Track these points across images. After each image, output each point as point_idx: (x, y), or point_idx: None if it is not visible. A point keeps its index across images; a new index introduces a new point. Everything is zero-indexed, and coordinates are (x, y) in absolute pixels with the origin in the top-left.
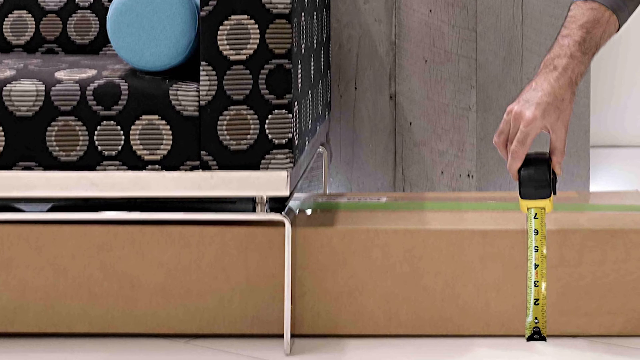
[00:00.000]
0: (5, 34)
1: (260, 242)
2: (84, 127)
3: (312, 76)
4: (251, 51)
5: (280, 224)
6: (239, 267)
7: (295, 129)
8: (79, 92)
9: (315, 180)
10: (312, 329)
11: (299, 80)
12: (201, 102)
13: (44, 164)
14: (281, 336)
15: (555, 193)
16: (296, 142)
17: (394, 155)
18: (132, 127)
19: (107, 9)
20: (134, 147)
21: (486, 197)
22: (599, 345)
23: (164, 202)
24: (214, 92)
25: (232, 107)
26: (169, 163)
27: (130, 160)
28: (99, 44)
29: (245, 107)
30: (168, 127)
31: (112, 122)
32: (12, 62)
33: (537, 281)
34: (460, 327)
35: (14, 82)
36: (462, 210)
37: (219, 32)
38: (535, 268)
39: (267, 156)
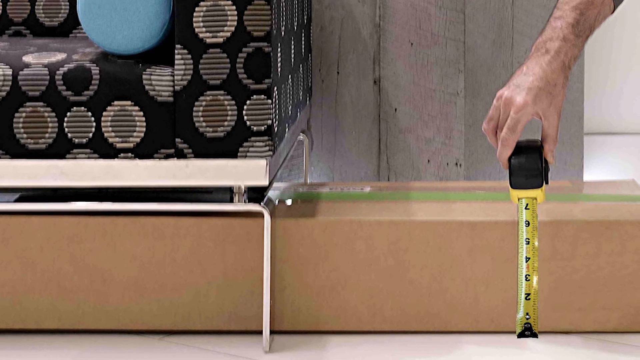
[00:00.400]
0: None
1: (238, 234)
2: (53, 114)
3: (293, 60)
4: (228, 34)
5: (259, 215)
6: (215, 260)
7: (275, 116)
8: (48, 77)
9: (296, 169)
10: (292, 325)
11: (279, 64)
12: (176, 87)
13: (11, 152)
14: (260, 333)
15: (547, 182)
16: (276, 129)
17: (378, 142)
18: (104, 113)
19: None
20: (106, 135)
21: (475, 187)
22: (593, 342)
23: (137, 192)
24: (189, 77)
25: (208, 92)
26: (143, 151)
27: (102, 148)
28: (68, 26)
29: (222, 92)
30: (141, 113)
31: (82, 108)
32: None
33: (529, 275)
34: (448, 323)
35: None
36: (450, 201)
37: (194, 14)
38: (527, 261)
39: (245, 144)
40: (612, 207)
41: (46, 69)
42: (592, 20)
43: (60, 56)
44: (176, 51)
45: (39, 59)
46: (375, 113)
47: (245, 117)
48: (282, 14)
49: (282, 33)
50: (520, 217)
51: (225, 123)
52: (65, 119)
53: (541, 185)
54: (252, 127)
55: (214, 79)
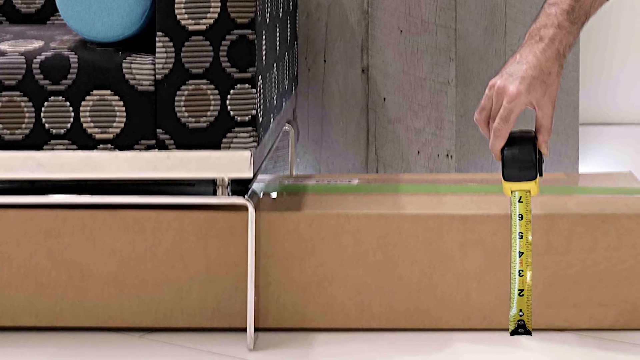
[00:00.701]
0: None
1: (221, 228)
2: (30, 103)
3: (278, 48)
4: (211, 21)
5: (243, 208)
6: (198, 255)
7: (260, 105)
8: (25, 65)
9: (281, 160)
10: (278, 322)
11: (264, 53)
12: (157, 76)
13: None
14: (244, 330)
15: (541, 174)
16: (260, 119)
17: (367, 133)
18: (83, 103)
19: None
20: (85, 125)
21: (466, 179)
22: (589, 340)
23: (117, 184)
24: (171, 65)
25: (190, 81)
26: (123, 142)
27: (80, 139)
28: (46, 12)
29: (205, 81)
30: (121, 103)
31: (60, 97)
32: None
33: (522, 270)
34: (438, 320)
35: None
36: (440, 194)
37: (176, 0)
38: (520, 256)
39: (228, 135)
40: (609, 200)
41: (23, 57)
42: (588, 6)
43: (38, 44)
44: (157, 39)
45: (16, 46)
46: (363, 103)
47: (228, 107)
48: (267, 0)
49: (267, 20)
50: (514, 211)
51: (208, 113)
52: (43, 109)
53: (535, 178)
54: (236, 117)
55: (197, 68)
